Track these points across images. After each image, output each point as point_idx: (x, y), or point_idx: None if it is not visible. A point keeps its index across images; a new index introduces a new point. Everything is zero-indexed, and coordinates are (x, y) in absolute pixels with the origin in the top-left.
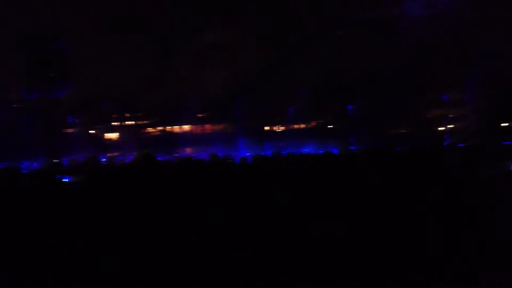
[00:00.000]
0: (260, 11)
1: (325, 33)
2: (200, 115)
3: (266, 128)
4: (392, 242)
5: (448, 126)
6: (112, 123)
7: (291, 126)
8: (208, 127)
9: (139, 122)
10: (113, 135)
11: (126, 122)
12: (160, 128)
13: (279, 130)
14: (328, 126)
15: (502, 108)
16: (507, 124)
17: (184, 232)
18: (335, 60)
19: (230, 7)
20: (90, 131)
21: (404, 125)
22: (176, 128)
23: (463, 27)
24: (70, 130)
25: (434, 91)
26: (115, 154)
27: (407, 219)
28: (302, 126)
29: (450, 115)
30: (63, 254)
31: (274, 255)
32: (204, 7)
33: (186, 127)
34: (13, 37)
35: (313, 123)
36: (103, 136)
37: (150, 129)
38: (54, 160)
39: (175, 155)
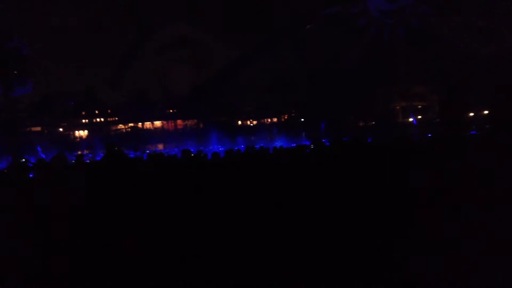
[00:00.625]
0: (225, 8)
1: (292, 28)
2: (171, 111)
3: (238, 123)
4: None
5: (417, 117)
6: (81, 121)
7: (262, 120)
8: (179, 122)
9: (109, 119)
10: (82, 133)
11: (96, 120)
12: (130, 124)
13: (251, 125)
14: (300, 120)
15: (465, 99)
16: (472, 114)
17: (157, 230)
18: (302, 55)
19: (194, 4)
20: (58, 129)
21: (372, 117)
22: (147, 125)
23: (425, 22)
24: (36, 129)
25: (400, 84)
26: (85, 152)
27: (383, 212)
28: (274, 120)
29: (419, 107)
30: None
31: (253, 256)
32: (168, 4)
33: (157, 123)
34: None
35: (284, 117)
36: (72, 134)
37: (120, 126)
38: (22, 160)
39: (147, 151)
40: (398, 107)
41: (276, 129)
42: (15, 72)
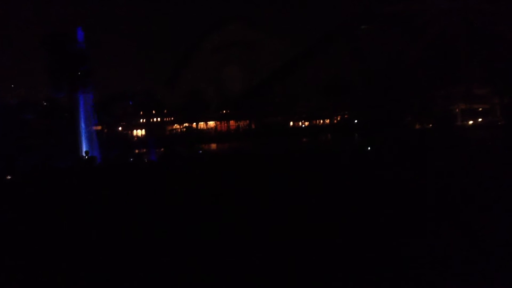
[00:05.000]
0: (279, 8)
1: (346, 28)
2: (224, 112)
3: (290, 123)
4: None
5: (478, 120)
6: (139, 121)
7: (314, 121)
8: (232, 123)
9: (165, 119)
10: (140, 132)
11: (153, 119)
12: (185, 124)
13: (303, 126)
14: (354, 121)
15: None
16: None
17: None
18: (357, 55)
19: (247, 6)
20: (117, 128)
21: (429, 119)
22: (201, 125)
23: (488, 21)
24: (97, 128)
25: (461, 85)
26: (142, 150)
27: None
28: (326, 121)
29: (479, 109)
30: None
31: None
32: (221, 5)
33: (211, 123)
34: (39, 36)
35: (337, 118)
36: (130, 133)
37: (175, 126)
38: (85, 157)
39: (199, 151)
40: (457, 109)
41: (328, 130)
42: (79, 73)
